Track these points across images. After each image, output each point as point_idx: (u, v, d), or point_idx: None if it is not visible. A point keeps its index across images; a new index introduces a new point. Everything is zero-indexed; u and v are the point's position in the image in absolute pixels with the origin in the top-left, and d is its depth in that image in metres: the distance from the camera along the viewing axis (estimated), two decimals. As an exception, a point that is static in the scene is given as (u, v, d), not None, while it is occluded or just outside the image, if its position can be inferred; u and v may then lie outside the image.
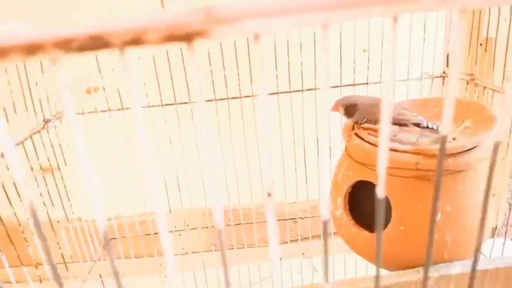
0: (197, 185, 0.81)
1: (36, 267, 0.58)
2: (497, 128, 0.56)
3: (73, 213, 0.70)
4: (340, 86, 0.71)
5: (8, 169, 0.51)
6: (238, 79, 0.72)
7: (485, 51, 0.62)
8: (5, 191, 0.53)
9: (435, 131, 0.58)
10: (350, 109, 0.60)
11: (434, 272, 0.58)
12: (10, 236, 0.51)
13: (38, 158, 0.58)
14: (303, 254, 0.98)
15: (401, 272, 0.58)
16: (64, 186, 0.68)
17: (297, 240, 0.94)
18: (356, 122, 0.61)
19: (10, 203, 0.53)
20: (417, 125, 0.57)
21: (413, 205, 0.56)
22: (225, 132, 0.76)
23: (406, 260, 0.58)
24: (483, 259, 0.61)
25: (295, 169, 0.80)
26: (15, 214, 0.55)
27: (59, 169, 0.67)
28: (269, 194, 0.19)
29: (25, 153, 0.56)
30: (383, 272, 0.63)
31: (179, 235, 0.90)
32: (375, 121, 0.59)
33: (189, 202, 0.82)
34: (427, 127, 0.57)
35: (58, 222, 0.68)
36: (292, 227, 0.96)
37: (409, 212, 0.56)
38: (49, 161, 0.62)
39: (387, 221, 0.59)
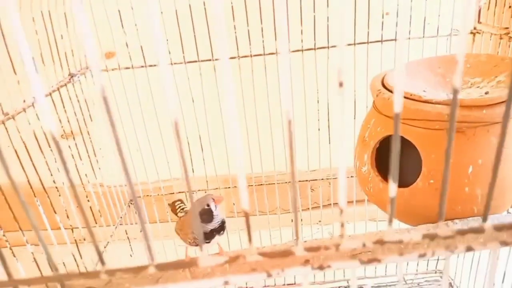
0: (220, 148, 0.81)
1: (72, 231, 0.58)
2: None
3: (96, 178, 0.70)
4: (368, 42, 0.69)
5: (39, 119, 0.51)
6: (262, 35, 0.71)
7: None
8: (28, 154, 0.52)
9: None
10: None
11: (464, 226, 0.57)
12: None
13: (65, 111, 0.57)
14: (319, 221, 0.99)
15: (430, 226, 0.58)
16: (87, 151, 0.67)
17: (315, 207, 0.94)
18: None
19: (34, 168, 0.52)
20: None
21: (444, 158, 0.55)
22: (248, 91, 0.75)
23: (436, 214, 0.58)
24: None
25: (318, 129, 0.79)
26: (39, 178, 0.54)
27: (81, 133, 0.66)
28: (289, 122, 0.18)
29: (54, 105, 0.56)
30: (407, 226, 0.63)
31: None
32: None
33: (212, 167, 0.82)
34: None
35: (83, 187, 0.68)
36: (310, 195, 0.96)
37: (440, 166, 0.56)
38: (75, 115, 0.62)
39: (417, 175, 0.58)
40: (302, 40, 0.70)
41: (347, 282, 0.90)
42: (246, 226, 0.24)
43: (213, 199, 0.55)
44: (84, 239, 0.62)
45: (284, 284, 0.92)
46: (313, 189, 0.97)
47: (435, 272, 0.91)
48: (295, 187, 0.23)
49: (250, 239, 0.24)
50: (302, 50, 0.71)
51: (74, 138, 0.63)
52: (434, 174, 0.56)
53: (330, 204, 0.96)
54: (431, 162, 0.57)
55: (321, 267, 0.24)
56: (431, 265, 0.91)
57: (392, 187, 0.22)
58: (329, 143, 0.80)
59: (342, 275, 0.92)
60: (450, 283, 0.88)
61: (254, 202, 0.90)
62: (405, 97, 0.56)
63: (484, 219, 0.25)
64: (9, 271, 0.25)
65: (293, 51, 0.71)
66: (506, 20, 0.63)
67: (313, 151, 0.83)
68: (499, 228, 0.26)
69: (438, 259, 0.90)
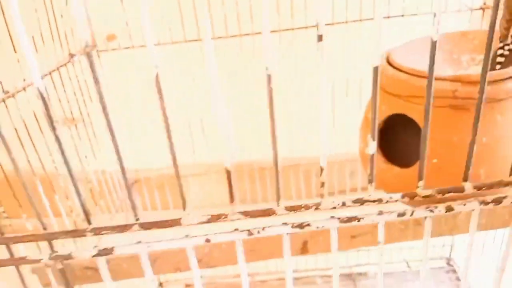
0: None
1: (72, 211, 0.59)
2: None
3: (96, 160, 0.70)
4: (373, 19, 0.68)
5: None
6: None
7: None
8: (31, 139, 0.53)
9: None
10: None
11: (476, 192, 0.56)
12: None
13: (65, 91, 0.58)
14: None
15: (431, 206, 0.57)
16: (89, 137, 0.68)
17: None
18: None
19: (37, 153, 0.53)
20: None
21: (448, 136, 0.55)
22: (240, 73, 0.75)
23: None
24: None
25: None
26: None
27: (81, 114, 0.66)
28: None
29: (53, 85, 0.56)
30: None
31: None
32: None
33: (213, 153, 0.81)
34: None
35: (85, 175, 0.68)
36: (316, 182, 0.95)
37: (444, 144, 0.55)
38: (75, 95, 0.63)
39: (419, 154, 0.57)
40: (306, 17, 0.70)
41: (350, 268, 0.90)
42: (228, 185, 0.24)
43: None
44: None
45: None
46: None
47: (440, 259, 0.90)
48: (275, 143, 0.23)
49: (232, 199, 0.24)
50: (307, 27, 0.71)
51: (76, 124, 0.64)
52: (437, 153, 0.55)
53: (344, 190, 0.95)
54: (434, 141, 0.56)
55: (300, 226, 0.24)
56: (436, 252, 0.90)
57: (371, 145, 0.22)
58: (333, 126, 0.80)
59: (346, 262, 0.91)
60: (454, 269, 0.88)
61: (257, 189, 0.89)
62: (408, 74, 0.55)
63: (465, 179, 0.25)
64: (1, 230, 0.25)
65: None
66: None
67: (315, 136, 0.82)
68: (478, 187, 0.26)
69: (443, 245, 0.89)
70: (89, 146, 0.68)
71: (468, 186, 0.23)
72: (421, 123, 0.56)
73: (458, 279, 0.87)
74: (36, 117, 0.53)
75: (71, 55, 0.63)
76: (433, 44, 0.20)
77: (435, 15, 0.21)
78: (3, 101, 0.47)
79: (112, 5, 0.70)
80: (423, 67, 0.58)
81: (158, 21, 0.70)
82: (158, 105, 0.24)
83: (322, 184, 0.22)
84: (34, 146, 0.54)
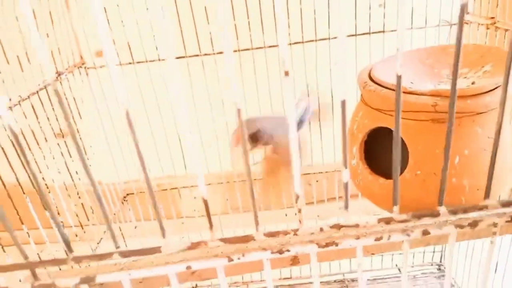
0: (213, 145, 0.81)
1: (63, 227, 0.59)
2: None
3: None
4: (356, 35, 0.69)
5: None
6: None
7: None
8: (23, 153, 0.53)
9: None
10: (254, 136, 0.58)
11: (451, 216, 0.58)
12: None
13: (53, 109, 0.58)
14: (318, 216, 0.99)
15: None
16: (80, 148, 0.67)
17: (312, 202, 0.94)
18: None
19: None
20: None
21: (430, 149, 0.56)
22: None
23: (423, 205, 0.58)
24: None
25: (309, 123, 0.79)
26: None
27: (69, 133, 0.66)
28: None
29: (41, 103, 0.57)
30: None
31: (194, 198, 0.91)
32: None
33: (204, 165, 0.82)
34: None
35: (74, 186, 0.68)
36: (307, 190, 0.96)
37: (426, 157, 0.56)
38: (63, 112, 0.63)
39: (404, 166, 0.58)
40: (290, 34, 0.71)
41: (343, 275, 0.91)
42: (206, 213, 0.25)
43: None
44: (76, 235, 0.63)
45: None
46: (310, 184, 0.98)
47: (431, 265, 0.91)
48: (249, 173, 0.23)
49: (211, 226, 0.25)
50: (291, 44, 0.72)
51: (65, 138, 0.64)
52: (420, 165, 0.56)
53: (333, 198, 0.96)
54: (417, 154, 0.57)
55: (280, 251, 0.24)
56: (427, 258, 0.91)
57: (345, 173, 0.22)
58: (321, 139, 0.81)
59: (338, 269, 0.92)
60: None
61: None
62: (389, 89, 0.56)
63: (440, 203, 0.26)
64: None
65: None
66: (492, 10, 0.62)
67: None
68: (453, 211, 0.26)
69: (434, 251, 0.90)
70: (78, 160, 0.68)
71: (443, 211, 0.24)
72: (403, 136, 0.57)
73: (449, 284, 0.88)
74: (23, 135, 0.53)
75: (59, 73, 0.63)
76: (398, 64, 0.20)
77: (397, 33, 0.22)
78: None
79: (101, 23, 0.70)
80: (404, 81, 0.60)
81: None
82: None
83: (300, 210, 0.23)
84: (22, 163, 0.53)
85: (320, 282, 0.91)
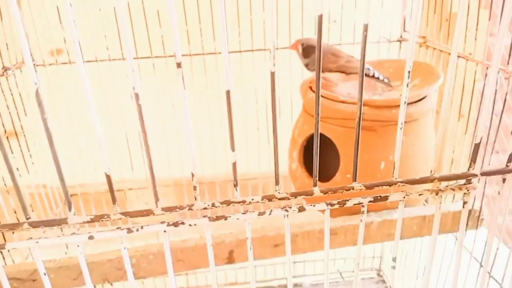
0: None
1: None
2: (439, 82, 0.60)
3: (28, 173, 0.69)
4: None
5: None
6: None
7: (434, 13, 0.65)
8: None
9: (381, 80, 0.62)
10: (307, 50, 0.63)
11: (377, 218, 0.62)
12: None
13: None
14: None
15: (346, 218, 0.62)
16: (28, 149, 0.68)
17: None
18: (307, 65, 0.64)
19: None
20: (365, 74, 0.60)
21: (360, 154, 0.60)
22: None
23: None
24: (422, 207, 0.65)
25: (257, 128, 0.83)
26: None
27: (14, 129, 0.66)
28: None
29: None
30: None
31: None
32: (325, 69, 0.62)
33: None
34: (373, 76, 0.61)
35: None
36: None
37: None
38: (8, 108, 0.63)
39: (336, 169, 0.62)
40: (240, 42, 0.74)
41: (286, 280, 0.93)
42: (109, 189, 0.27)
43: None
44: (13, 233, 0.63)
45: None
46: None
47: (371, 270, 0.95)
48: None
49: (114, 200, 0.27)
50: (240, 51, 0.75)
51: (17, 136, 0.65)
52: (350, 169, 0.61)
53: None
54: (347, 158, 0.61)
55: (175, 224, 0.27)
56: (367, 263, 0.96)
57: (234, 155, 0.25)
58: (268, 143, 0.84)
59: (282, 273, 0.95)
60: (383, 279, 0.93)
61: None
62: (324, 97, 0.61)
63: (314, 184, 0.29)
64: None
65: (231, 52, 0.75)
66: (424, 30, 0.68)
67: (253, 152, 0.86)
68: (325, 191, 0.30)
69: (373, 257, 0.95)
70: (22, 160, 0.68)
71: (316, 190, 0.27)
72: (335, 141, 0.62)
73: (387, 288, 0.92)
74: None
75: (6, 69, 0.64)
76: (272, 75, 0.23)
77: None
78: None
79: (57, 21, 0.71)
80: (342, 92, 0.64)
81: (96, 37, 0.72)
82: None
83: (195, 188, 0.26)
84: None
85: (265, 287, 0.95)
